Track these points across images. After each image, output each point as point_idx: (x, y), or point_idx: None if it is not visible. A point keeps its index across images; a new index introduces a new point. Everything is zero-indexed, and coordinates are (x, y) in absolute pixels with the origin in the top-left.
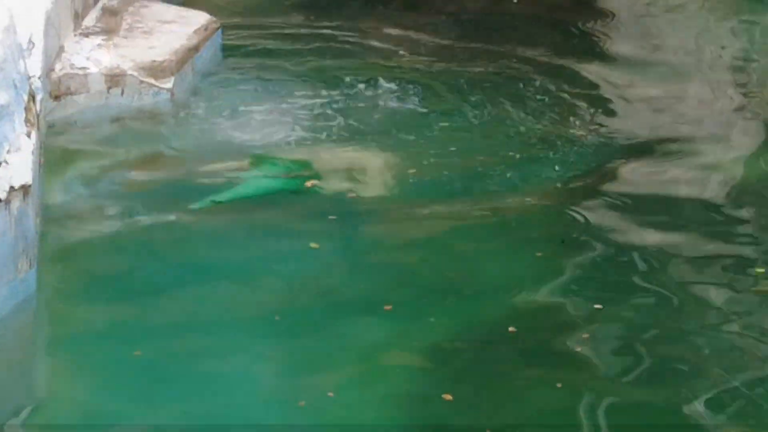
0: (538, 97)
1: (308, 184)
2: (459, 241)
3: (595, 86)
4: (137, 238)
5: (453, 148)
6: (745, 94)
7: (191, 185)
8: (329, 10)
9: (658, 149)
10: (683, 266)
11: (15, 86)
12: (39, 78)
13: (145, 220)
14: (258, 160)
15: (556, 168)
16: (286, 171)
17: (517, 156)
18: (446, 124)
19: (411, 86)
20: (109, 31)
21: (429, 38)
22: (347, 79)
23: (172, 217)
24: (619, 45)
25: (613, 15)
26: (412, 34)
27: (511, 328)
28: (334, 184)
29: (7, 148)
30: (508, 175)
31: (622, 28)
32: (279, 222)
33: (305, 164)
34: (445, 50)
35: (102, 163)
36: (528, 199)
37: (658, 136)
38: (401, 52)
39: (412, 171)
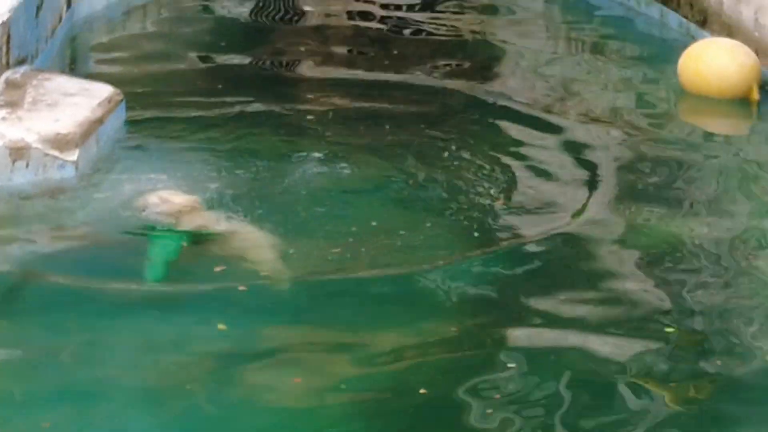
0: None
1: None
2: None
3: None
4: (38, 312)
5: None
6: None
7: (94, 257)
8: (238, 81)
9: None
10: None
11: None
12: None
13: (43, 290)
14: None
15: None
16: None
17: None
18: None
19: (322, 157)
20: (12, 105)
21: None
22: (257, 151)
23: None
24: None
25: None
26: (324, 99)
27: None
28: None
29: None
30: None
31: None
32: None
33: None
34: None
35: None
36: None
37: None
38: (311, 119)
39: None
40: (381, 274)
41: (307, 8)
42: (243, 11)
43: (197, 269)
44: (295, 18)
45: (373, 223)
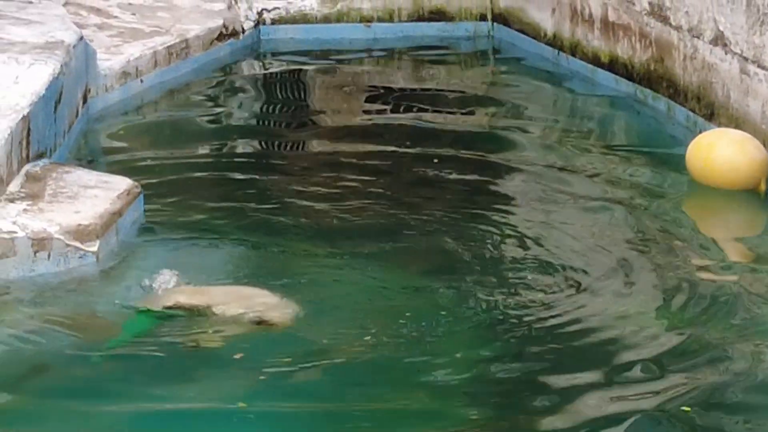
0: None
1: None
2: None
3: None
4: (52, 401)
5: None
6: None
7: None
8: (252, 172)
9: None
10: None
11: None
12: None
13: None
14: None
15: None
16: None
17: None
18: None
19: (348, 244)
20: (33, 197)
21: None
22: (277, 241)
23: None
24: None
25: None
26: (344, 185)
27: None
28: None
29: None
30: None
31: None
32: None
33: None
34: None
35: (27, 325)
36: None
37: None
38: (330, 208)
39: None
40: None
41: (317, 106)
42: (255, 105)
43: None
44: (306, 114)
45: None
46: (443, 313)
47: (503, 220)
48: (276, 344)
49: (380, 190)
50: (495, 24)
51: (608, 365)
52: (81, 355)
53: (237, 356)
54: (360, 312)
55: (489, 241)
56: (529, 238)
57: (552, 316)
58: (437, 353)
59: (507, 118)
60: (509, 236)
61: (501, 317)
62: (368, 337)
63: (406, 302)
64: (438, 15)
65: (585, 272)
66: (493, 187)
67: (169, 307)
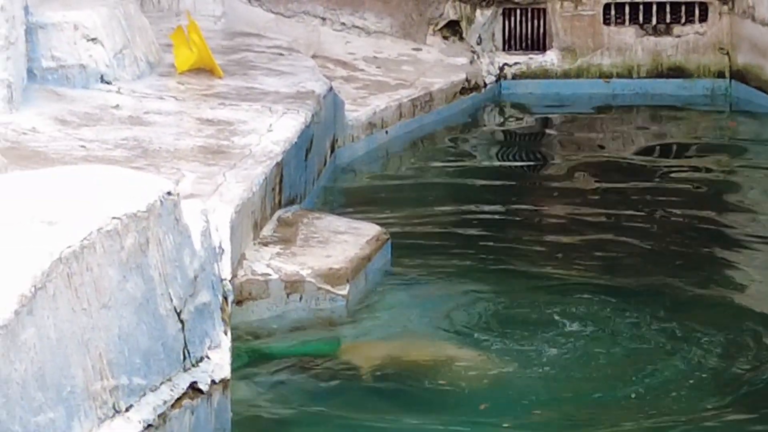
0: None
1: None
2: None
3: None
4: None
5: None
6: None
7: (365, 384)
8: (497, 226)
9: None
10: None
11: (212, 287)
12: (229, 281)
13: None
14: None
15: None
16: None
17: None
18: None
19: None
20: (286, 241)
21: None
22: (524, 299)
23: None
24: None
25: None
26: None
27: None
28: None
29: (208, 344)
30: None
31: None
32: None
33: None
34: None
35: (285, 364)
36: None
37: None
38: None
39: None
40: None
41: (558, 159)
42: (496, 156)
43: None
44: (547, 166)
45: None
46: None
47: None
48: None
49: (633, 242)
50: (733, 81)
51: None
52: (335, 390)
53: (482, 407)
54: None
55: (739, 294)
56: None
57: None
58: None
59: (747, 169)
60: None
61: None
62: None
63: (649, 359)
64: (676, 72)
65: None
66: (739, 237)
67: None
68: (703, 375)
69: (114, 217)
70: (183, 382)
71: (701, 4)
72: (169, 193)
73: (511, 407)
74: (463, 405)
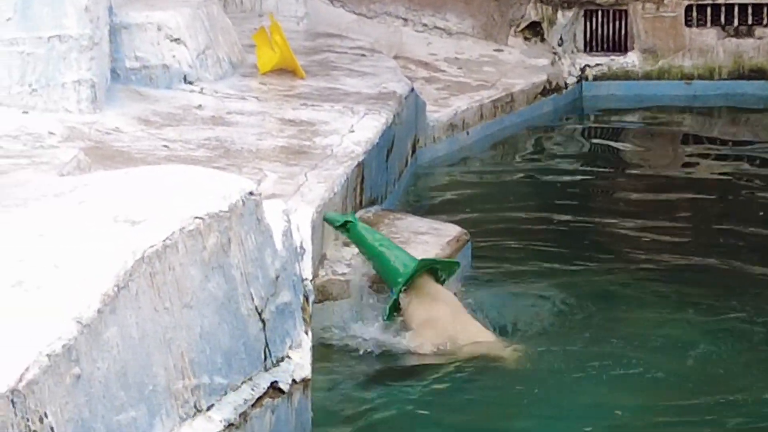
0: None
1: None
2: None
3: None
4: None
5: None
6: None
7: (443, 382)
8: (577, 231)
9: None
10: None
11: (293, 287)
12: (310, 281)
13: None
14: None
15: None
16: None
17: None
18: None
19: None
20: None
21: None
22: (603, 299)
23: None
24: None
25: None
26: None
27: None
28: None
29: (289, 344)
30: None
31: None
32: None
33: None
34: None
35: (365, 363)
36: None
37: None
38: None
39: None
40: None
41: (637, 159)
42: (577, 157)
43: None
44: (626, 167)
45: None
46: None
47: None
48: None
49: (703, 240)
50: None
51: None
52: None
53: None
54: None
55: None
56: None
57: None
58: None
59: None
60: None
61: None
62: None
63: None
64: (758, 73)
65: None
66: None
67: None
68: None
69: (196, 217)
70: (264, 382)
71: None
72: (251, 193)
73: (589, 411)
74: (543, 407)
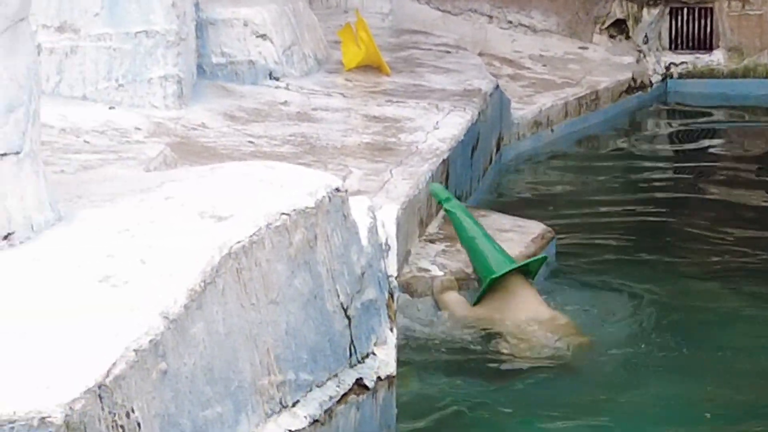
0: None
1: None
2: None
3: None
4: None
5: None
6: None
7: (529, 379)
8: (659, 222)
9: None
10: None
11: (379, 284)
12: (395, 278)
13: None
14: None
15: None
16: None
17: None
18: None
19: None
20: (451, 238)
21: None
22: (687, 301)
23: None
24: None
25: None
26: None
27: None
28: None
29: (374, 341)
30: None
31: None
32: None
33: None
34: None
35: (450, 359)
36: None
37: None
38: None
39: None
40: None
41: (723, 158)
42: (661, 155)
43: None
44: (711, 166)
45: None
46: None
47: None
48: None
49: None
50: None
51: None
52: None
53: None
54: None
55: None
56: None
57: None
58: None
59: None
60: None
61: None
62: None
63: None
64: None
65: None
66: None
67: None
68: None
69: (283, 213)
70: (349, 378)
71: None
72: (337, 190)
73: (675, 413)
74: (626, 407)
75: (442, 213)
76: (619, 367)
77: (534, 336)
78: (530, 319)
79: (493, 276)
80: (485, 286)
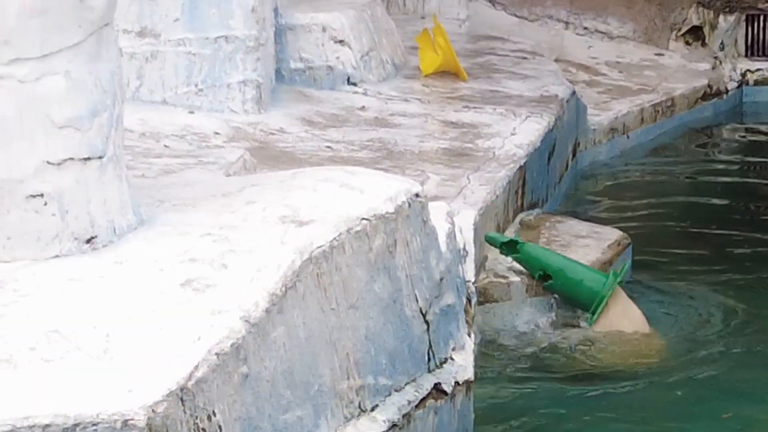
0: None
1: None
2: None
3: None
4: None
5: None
6: None
7: (605, 384)
8: (736, 230)
9: None
10: None
11: (457, 289)
12: (473, 283)
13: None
14: None
15: None
16: None
17: None
18: None
19: None
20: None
21: None
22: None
23: None
24: None
25: None
26: None
27: None
28: None
29: (452, 346)
30: None
31: None
32: None
33: None
34: None
35: (527, 365)
36: None
37: None
38: None
39: None
40: None
41: None
42: (737, 164)
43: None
44: None
45: None
46: None
47: None
48: None
49: None
50: None
51: None
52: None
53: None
54: None
55: None
56: None
57: None
58: None
59: None
60: None
61: None
62: None
63: None
64: None
65: None
66: None
67: None
68: None
69: (363, 218)
70: (427, 383)
71: None
72: (417, 195)
73: (752, 418)
74: (705, 414)
75: (518, 218)
76: (702, 372)
77: (626, 346)
78: (633, 329)
79: (610, 292)
80: (602, 304)
